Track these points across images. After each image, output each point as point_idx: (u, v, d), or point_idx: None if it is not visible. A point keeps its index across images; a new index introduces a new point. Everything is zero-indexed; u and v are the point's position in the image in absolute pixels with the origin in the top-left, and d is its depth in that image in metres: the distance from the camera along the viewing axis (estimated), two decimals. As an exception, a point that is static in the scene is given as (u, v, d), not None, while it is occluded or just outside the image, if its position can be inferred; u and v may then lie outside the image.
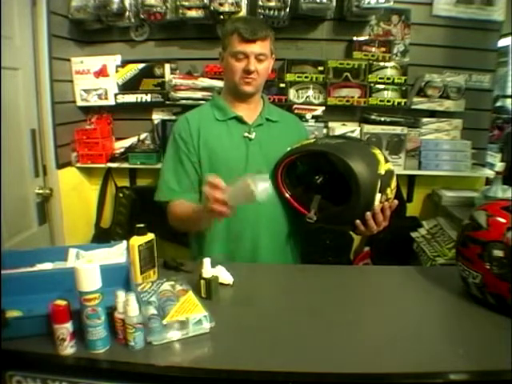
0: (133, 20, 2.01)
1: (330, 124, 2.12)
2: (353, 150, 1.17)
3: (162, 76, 2.07)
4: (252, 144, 1.31)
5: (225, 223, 1.30)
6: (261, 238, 1.32)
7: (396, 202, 1.19)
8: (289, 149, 1.29)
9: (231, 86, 1.31)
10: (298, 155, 1.27)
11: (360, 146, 1.25)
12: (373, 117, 2.07)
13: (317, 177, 1.27)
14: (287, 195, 1.30)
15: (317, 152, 1.23)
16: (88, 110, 2.20)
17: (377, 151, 1.19)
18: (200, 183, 1.32)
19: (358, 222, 1.17)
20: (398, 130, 2.04)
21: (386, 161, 1.19)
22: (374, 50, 2.05)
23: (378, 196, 1.13)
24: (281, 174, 1.29)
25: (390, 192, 1.18)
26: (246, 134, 1.31)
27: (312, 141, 1.30)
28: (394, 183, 1.19)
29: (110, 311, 0.84)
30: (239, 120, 1.33)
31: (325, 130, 2.10)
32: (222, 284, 1.08)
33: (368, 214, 1.15)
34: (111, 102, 2.13)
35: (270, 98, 1.98)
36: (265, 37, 1.24)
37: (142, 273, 1.07)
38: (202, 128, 1.31)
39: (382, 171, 1.14)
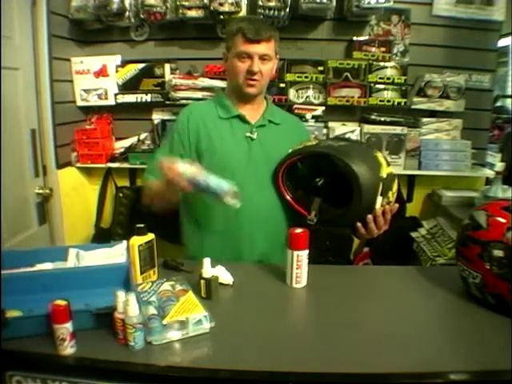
0: (133, 20, 2.01)
1: (330, 124, 2.12)
2: (355, 152, 1.17)
3: (162, 76, 2.07)
4: (254, 144, 1.31)
5: (221, 222, 1.30)
6: (258, 238, 1.32)
7: (397, 205, 1.19)
8: (290, 150, 1.29)
9: (235, 87, 1.31)
10: (299, 157, 1.27)
11: (362, 148, 1.26)
12: (373, 117, 2.07)
13: (318, 179, 1.27)
14: (288, 197, 1.30)
15: (319, 154, 1.23)
16: (88, 110, 2.20)
17: (378, 154, 1.19)
18: None
19: (358, 224, 1.17)
20: (398, 129, 2.05)
21: (388, 164, 1.19)
22: (374, 49, 2.05)
23: (379, 199, 1.13)
24: (282, 176, 1.29)
25: (392, 195, 1.18)
26: (248, 134, 1.31)
27: (314, 143, 1.30)
28: (395, 186, 1.19)
29: (110, 311, 0.84)
30: (242, 119, 1.33)
31: (325, 130, 2.10)
32: (222, 284, 1.08)
33: (369, 216, 1.14)
34: (111, 101, 2.13)
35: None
36: (269, 37, 1.23)
37: (142, 273, 1.07)
38: (203, 125, 1.31)
39: (383, 174, 1.14)
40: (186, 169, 1.06)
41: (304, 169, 1.32)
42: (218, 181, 1.05)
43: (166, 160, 1.09)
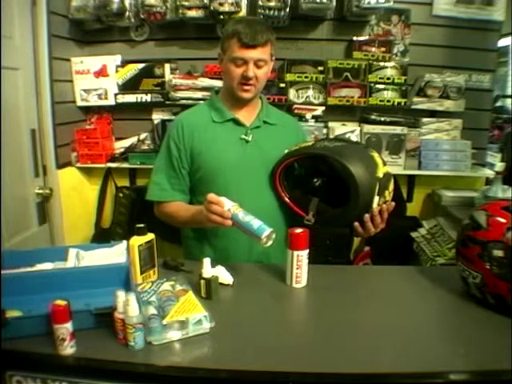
0: (133, 20, 2.01)
1: (330, 124, 2.13)
2: (351, 153, 1.17)
3: (162, 76, 2.07)
4: (249, 146, 1.31)
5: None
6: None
7: (393, 204, 1.20)
8: (287, 151, 1.28)
9: (229, 90, 1.30)
10: (296, 158, 1.27)
11: (358, 149, 1.25)
12: (373, 117, 2.07)
13: (315, 179, 1.27)
14: (286, 199, 1.30)
15: (315, 155, 1.23)
16: (88, 110, 2.21)
17: (375, 154, 1.19)
18: (193, 187, 1.35)
19: (356, 224, 1.17)
20: (398, 129, 2.05)
21: (384, 164, 1.19)
22: (374, 50, 2.05)
23: (376, 199, 1.14)
24: (279, 177, 1.29)
25: (388, 194, 1.18)
26: (243, 136, 1.31)
27: (310, 143, 1.30)
28: (391, 186, 1.20)
29: (110, 311, 0.84)
30: (236, 122, 1.32)
31: (325, 130, 2.10)
32: (222, 284, 1.08)
33: (366, 216, 1.15)
34: (111, 101, 2.13)
35: (269, 98, 1.99)
36: (265, 42, 1.21)
37: (142, 273, 1.07)
38: (196, 132, 1.31)
39: (380, 174, 1.14)
40: (231, 206, 1.08)
41: (301, 169, 1.32)
42: (259, 223, 1.06)
43: (213, 196, 1.10)
